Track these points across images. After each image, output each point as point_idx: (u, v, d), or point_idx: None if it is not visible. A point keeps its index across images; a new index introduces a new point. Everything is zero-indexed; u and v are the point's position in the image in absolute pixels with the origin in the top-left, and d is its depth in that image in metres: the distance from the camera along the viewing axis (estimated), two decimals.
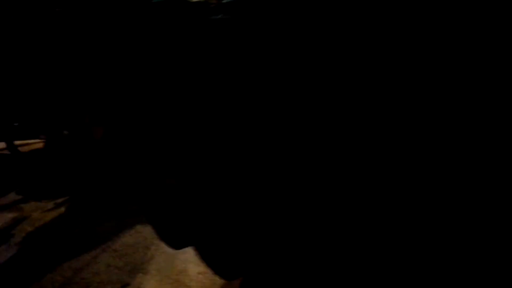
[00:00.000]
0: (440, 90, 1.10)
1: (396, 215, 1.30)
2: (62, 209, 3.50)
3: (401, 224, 1.32)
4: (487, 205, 1.18)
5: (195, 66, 1.54)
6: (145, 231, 3.04)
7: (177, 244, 2.06)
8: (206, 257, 1.93)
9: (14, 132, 5.33)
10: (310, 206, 1.38)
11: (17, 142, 5.55)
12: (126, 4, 1.76)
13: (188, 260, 2.58)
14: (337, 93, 1.26)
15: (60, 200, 3.73)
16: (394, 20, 1.17)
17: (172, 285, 2.28)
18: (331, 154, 1.37)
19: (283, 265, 1.63)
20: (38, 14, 3.87)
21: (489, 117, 1.07)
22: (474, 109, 1.08)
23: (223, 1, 1.53)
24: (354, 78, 1.23)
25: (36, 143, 6.41)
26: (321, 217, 1.37)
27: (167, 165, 1.66)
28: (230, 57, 1.47)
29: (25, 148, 5.86)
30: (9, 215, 3.38)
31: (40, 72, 5.26)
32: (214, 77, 1.52)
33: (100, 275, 2.37)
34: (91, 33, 2.00)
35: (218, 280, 2.34)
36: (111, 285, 2.26)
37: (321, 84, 1.29)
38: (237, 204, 1.55)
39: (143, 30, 1.72)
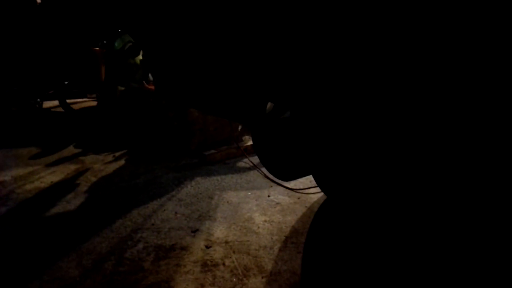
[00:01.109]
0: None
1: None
2: (122, 162, 3.58)
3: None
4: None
5: None
6: (206, 183, 3.07)
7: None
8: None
9: (66, 90, 5.44)
10: None
11: (68, 101, 5.68)
12: None
13: (252, 210, 2.60)
14: None
15: (118, 154, 3.81)
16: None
17: (241, 231, 2.30)
18: None
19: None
20: None
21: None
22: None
23: None
24: None
25: (86, 102, 6.56)
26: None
27: None
28: None
29: (76, 106, 6.01)
30: (72, 167, 3.48)
31: (88, 32, 5.31)
32: None
33: (170, 221, 2.42)
34: None
35: (284, 228, 2.34)
36: (181, 231, 2.30)
37: None
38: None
39: None
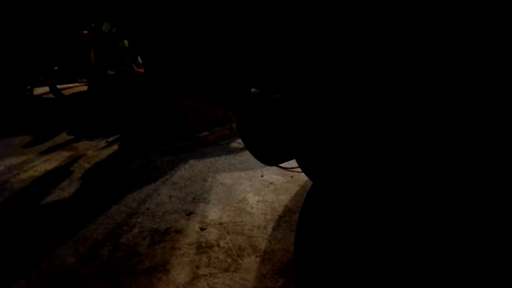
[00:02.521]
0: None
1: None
2: (116, 147, 3.59)
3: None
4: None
5: None
6: (199, 165, 3.09)
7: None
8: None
9: (56, 75, 5.39)
10: None
11: (59, 86, 5.63)
12: None
13: (246, 190, 2.62)
14: None
15: (111, 139, 3.81)
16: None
17: (234, 212, 2.33)
18: None
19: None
20: None
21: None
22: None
23: None
24: None
25: (76, 87, 6.51)
26: None
27: None
28: None
29: (67, 92, 5.96)
30: (65, 154, 3.48)
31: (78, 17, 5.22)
32: None
33: (164, 205, 2.44)
34: None
35: (278, 207, 2.37)
36: (176, 214, 2.33)
37: None
38: None
39: None
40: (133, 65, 4.48)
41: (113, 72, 4.49)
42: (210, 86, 1.96)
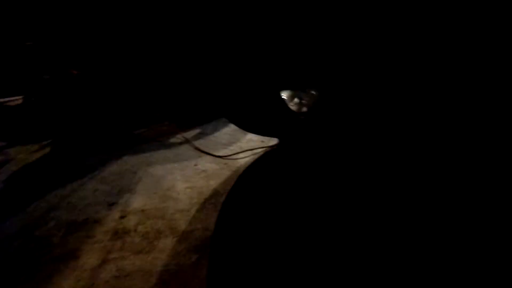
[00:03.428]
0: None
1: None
2: (47, 150, 3.45)
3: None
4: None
5: None
6: (132, 160, 2.99)
7: None
8: None
9: None
10: None
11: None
12: None
13: (176, 179, 2.55)
14: None
15: (45, 142, 3.66)
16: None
17: (160, 199, 2.25)
18: None
19: None
20: None
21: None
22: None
23: None
24: None
25: (14, 100, 6.27)
26: None
27: None
28: None
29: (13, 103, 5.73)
30: None
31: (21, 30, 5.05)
32: None
33: (87, 198, 2.34)
34: None
35: (206, 191, 2.31)
36: (98, 206, 2.23)
37: None
38: None
39: None
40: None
41: (49, 76, 4.34)
42: None
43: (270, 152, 2.95)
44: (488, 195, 1.20)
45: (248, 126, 2.67)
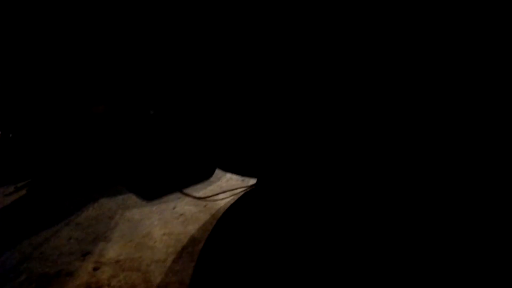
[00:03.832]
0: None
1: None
2: (23, 192, 3.38)
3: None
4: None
5: None
6: (110, 203, 2.95)
7: None
8: None
9: None
10: None
11: None
12: None
13: (153, 224, 2.52)
14: None
15: (20, 184, 3.59)
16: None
17: (135, 248, 2.21)
18: None
19: None
20: None
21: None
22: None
23: None
24: None
25: None
26: None
27: None
28: None
29: None
30: None
31: None
32: None
33: (60, 248, 2.29)
34: None
35: (183, 238, 2.28)
36: (72, 256, 2.18)
37: None
38: None
39: None
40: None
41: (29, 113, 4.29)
42: None
43: (249, 193, 2.94)
44: (488, 195, 1.20)
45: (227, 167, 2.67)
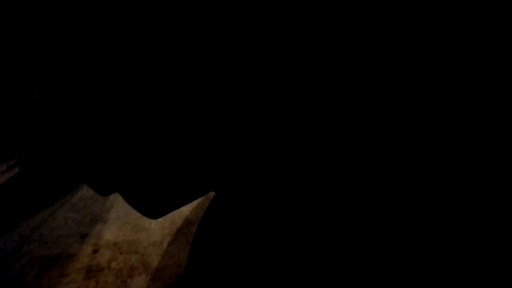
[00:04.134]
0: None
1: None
2: (16, 170, 3.41)
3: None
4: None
5: None
6: None
7: None
8: None
9: None
10: None
11: None
12: None
13: None
14: None
15: (12, 162, 3.62)
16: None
17: (132, 230, 2.30)
18: None
19: None
20: None
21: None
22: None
23: None
24: None
25: None
26: None
27: None
28: None
29: None
30: None
31: None
32: None
33: (59, 229, 2.36)
34: None
35: (177, 220, 2.37)
36: (70, 238, 2.26)
37: None
38: None
39: None
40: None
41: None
42: None
43: None
44: (488, 195, 1.24)
45: None
